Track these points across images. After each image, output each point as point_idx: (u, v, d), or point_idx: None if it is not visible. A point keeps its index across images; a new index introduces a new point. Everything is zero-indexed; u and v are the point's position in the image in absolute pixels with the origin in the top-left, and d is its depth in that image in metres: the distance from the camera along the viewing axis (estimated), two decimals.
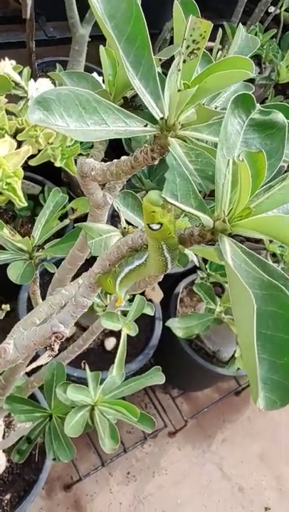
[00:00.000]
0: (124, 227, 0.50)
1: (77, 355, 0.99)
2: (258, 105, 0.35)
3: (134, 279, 0.39)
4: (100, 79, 1.36)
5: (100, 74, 1.26)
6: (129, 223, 0.61)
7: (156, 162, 0.40)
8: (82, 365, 0.89)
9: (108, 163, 0.44)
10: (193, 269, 1.89)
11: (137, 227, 0.50)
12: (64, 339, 0.41)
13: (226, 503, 1.95)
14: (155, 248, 0.34)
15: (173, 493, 1.92)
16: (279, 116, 0.36)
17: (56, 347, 0.40)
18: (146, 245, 0.37)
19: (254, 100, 0.35)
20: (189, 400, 2.12)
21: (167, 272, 0.35)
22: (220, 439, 2.09)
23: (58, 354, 0.84)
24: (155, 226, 0.31)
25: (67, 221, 0.84)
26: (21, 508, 1.33)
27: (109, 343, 1.76)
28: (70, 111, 0.33)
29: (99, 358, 1.70)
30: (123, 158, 0.42)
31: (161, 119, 0.39)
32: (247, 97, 0.35)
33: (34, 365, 0.39)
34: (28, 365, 0.40)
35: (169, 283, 1.99)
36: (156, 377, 0.94)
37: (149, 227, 0.32)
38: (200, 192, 0.31)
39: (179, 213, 0.32)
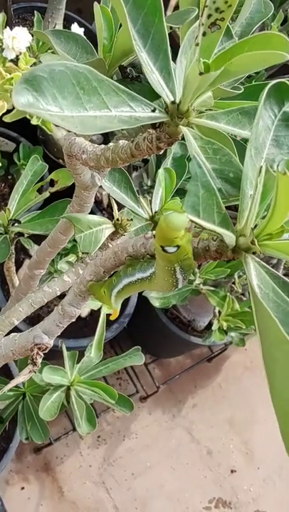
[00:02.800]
0: (118, 219, 0.44)
1: None
2: None
3: (133, 291, 0.34)
4: (80, 30, 1.24)
5: (80, 25, 1.14)
6: (118, 204, 0.55)
7: (162, 152, 0.34)
8: (60, 343, 0.85)
9: (103, 146, 0.38)
10: None
11: (131, 219, 0.44)
12: (47, 350, 0.36)
13: (193, 466, 1.99)
14: (166, 270, 0.28)
15: (142, 457, 1.94)
16: None
17: (39, 360, 0.35)
18: (150, 255, 0.32)
19: None
20: (162, 366, 2.13)
21: (175, 290, 0.30)
22: (190, 404, 2.11)
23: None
24: (171, 249, 0.26)
25: (46, 194, 0.77)
26: None
27: (84, 310, 1.71)
28: (64, 92, 0.27)
29: (73, 326, 1.66)
30: (121, 143, 0.36)
31: (173, 103, 0.33)
32: (282, 86, 0.29)
33: (13, 383, 0.34)
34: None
35: None
36: (136, 357, 0.91)
37: (164, 250, 0.26)
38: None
39: (199, 230, 0.27)
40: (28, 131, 1.77)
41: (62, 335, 1.24)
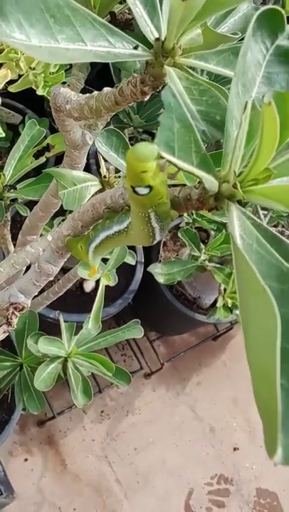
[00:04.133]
0: (104, 176, 0.41)
1: None
2: (288, 27, 0.26)
3: (111, 247, 0.31)
4: None
5: None
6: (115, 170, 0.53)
7: (147, 98, 0.32)
8: (56, 315, 0.83)
9: (87, 95, 0.35)
10: None
11: (119, 176, 0.42)
12: (24, 311, 0.34)
13: (196, 443, 1.99)
14: (140, 216, 0.25)
15: (145, 432, 1.95)
16: None
17: (15, 321, 0.33)
18: (129, 206, 0.29)
19: (284, 19, 0.26)
20: (166, 343, 2.12)
21: (154, 243, 0.28)
22: (195, 381, 2.10)
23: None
24: (143, 190, 0.23)
25: (43, 159, 0.75)
26: None
27: (88, 285, 1.70)
28: (32, 19, 0.24)
29: (76, 301, 1.65)
30: (106, 90, 0.33)
31: (157, 40, 0.30)
32: (275, 14, 0.25)
33: None
34: None
35: None
36: (135, 330, 0.89)
37: (134, 191, 0.23)
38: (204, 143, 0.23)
39: (175, 171, 0.24)
40: (34, 104, 1.73)
41: (66, 309, 1.22)
